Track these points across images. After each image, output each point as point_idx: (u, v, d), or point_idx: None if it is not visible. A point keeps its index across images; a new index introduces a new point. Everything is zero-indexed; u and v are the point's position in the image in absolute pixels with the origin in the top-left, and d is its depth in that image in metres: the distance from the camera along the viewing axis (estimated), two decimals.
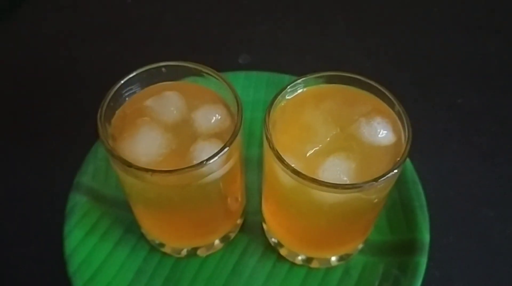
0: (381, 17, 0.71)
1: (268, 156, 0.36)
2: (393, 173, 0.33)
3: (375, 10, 0.73)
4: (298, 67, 0.60)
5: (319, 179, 0.32)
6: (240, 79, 0.57)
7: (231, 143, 0.35)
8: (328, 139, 0.36)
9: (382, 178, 0.33)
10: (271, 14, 0.71)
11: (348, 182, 0.34)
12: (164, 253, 0.46)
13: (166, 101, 0.39)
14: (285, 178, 0.34)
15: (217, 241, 0.46)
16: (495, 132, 0.57)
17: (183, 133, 0.38)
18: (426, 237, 0.44)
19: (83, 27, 0.71)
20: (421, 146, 0.55)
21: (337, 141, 0.36)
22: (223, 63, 0.60)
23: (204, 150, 0.36)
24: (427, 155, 0.54)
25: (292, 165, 0.33)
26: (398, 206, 0.47)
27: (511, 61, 0.65)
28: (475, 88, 0.61)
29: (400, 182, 0.48)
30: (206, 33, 0.68)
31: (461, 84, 0.62)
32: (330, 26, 0.70)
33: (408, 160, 0.49)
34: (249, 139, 0.53)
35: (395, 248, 0.45)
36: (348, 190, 0.33)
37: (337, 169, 0.34)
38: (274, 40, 0.67)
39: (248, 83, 0.57)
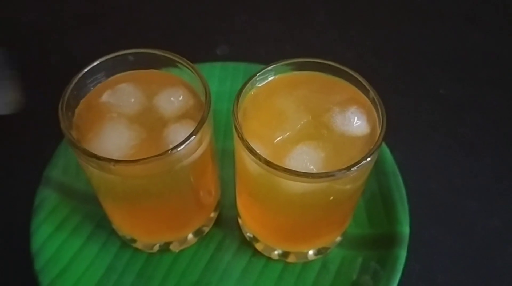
0: (363, 8, 0.70)
1: (237, 144, 0.35)
2: (366, 161, 0.32)
3: (357, 0, 0.71)
4: (278, 58, 0.58)
5: (285, 167, 0.31)
6: (216, 70, 0.55)
7: (197, 131, 0.33)
8: (299, 126, 0.35)
9: (355, 167, 0.32)
10: (251, 4, 0.70)
11: (315, 171, 0.32)
12: (136, 249, 0.44)
13: (122, 93, 0.37)
14: (252, 166, 0.33)
15: (190, 236, 0.44)
16: (479, 123, 0.56)
17: (150, 120, 0.36)
18: (405, 229, 0.43)
19: (58, 16, 0.69)
20: (403, 138, 0.54)
21: (307, 129, 0.35)
22: (200, 54, 0.59)
23: (178, 132, 0.35)
24: (410, 146, 0.53)
25: (258, 152, 0.32)
26: (377, 199, 0.46)
27: (494, 51, 0.64)
28: (459, 79, 0.60)
29: (380, 174, 0.47)
30: (184, 24, 0.67)
31: (444, 75, 0.61)
32: (311, 16, 0.68)
33: (388, 151, 0.48)
34: (226, 130, 0.52)
35: (374, 241, 0.44)
36: (319, 179, 0.32)
37: (305, 158, 0.32)
38: (254, 31, 0.66)
39: (225, 74, 0.55)
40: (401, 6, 0.70)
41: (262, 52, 0.62)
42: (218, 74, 0.55)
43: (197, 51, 0.60)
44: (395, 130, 0.53)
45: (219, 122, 0.52)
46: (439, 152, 0.53)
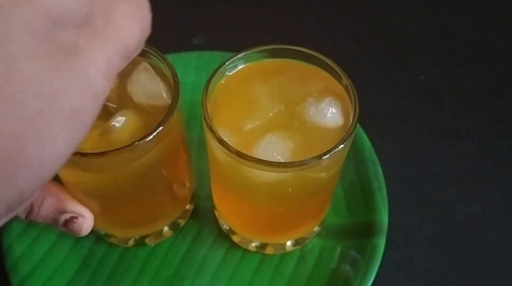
0: None
1: (207, 135, 0.34)
2: (338, 149, 0.31)
3: None
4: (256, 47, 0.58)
5: (252, 156, 0.30)
6: (192, 59, 0.54)
7: (165, 122, 0.32)
8: (270, 115, 0.34)
9: (327, 155, 0.31)
10: None
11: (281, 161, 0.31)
12: (111, 243, 0.44)
13: None
14: (223, 157, 0.32)
15: (166, 229, 0.43)
16: (458, 108, 0.55)
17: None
18: (384, 218, 0.43)
19: None
20: (382, 125, 0.53)
21: (278, 119, 0.34)
22: (177, 44, 0.58)
23: None
24: (388, 133, 0.52)
25: (227, 140, 0.31)
26: (356, 187, 0.46)
27: (474, 35, 0.63)
28: (438, 64, 0.60)
29: (359, 162, 0.46)
30: (159, 13, 0.65)
31: (423, 60, 0.60)
32: (289, 4, 0.67)
33: (367, 139, 0.48)
34: (202, 122, 0.51)
35: (353, 230, 0.43)
36: (291, 169, 0.31)
37: (272, 148, 0.32)
38: (231, 19, 0.65)
39: (201, 63, 0.54)
40: None
41: (240, 40, 0.61)
42: (195, 64, 0.54)
43: (174, 40, 0.59)
44: (374, 117, 0.53)
45: (196, 112, 0.51)
46: (418, 138, 0.53)
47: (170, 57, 0.36)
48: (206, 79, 0.52)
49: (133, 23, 0.21)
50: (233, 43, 0.60)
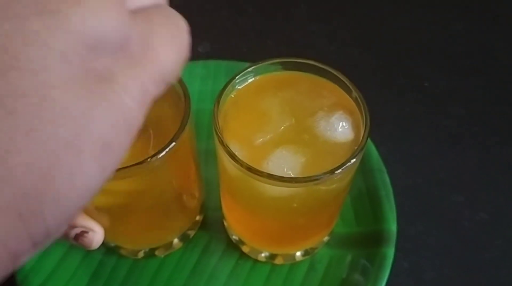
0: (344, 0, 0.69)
1: (218, 149, 0.34)
2: (350, 163, 0.31)
3: None
4: (260, 53, 0.58)
5: (264, 171, 0.30)
6: (198, 69, 0.54)
7: (177, 138, 0.32)
8: (281, 129, 0.34)
9: (339, 170, 0.31)
10: None
11: (292, 176, 0.32)
12: (121, 255, 0.44)
13: None
14: (234, 171, 0.32)
15: (176, 240, 0.44)
16: (463, 115, 0.55)
17: None
18: (392, 227, 0.43)
19: None
20: (388, 132, 0.53)
21: (289, 133, 0.34)
22: None
23: None
24: (394, 141, 0.53)
25: (237, 153, 0.31)
26: (364, 197, 0.46)
27: (478, 41, 0.63)
28: (442, 70, 0.60)
29: (366, 171, 0.46)
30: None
31: (428, 66, 0.60)
32: (291, 10, 0.67)
33: (374, 148, 0.48)
34: (209, 131, 0.51)
35: (361, 240, 0.44)
36: (303, 184, 0.31)
37: (282, 162, 0.32)
38: (235, 26, 0.65)
39: (206, 73, 0.54)
40: None
41: (244, 48, 0.61)
42: (200, 73, 0.54)
43: None
44: (379, 125, 0.53)
45: (202, 122, 0.51)
46: (424, 145, 0.53)
47: None
48: (211, 89, 0.53)
49: (171, 47, 0.20)
50: (238, 50, 0.61)
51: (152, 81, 0.19)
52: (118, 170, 0.31)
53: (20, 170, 0.15)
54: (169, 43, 0.20)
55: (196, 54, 0.60)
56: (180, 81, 0.35)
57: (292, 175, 0.32)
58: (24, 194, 0.15)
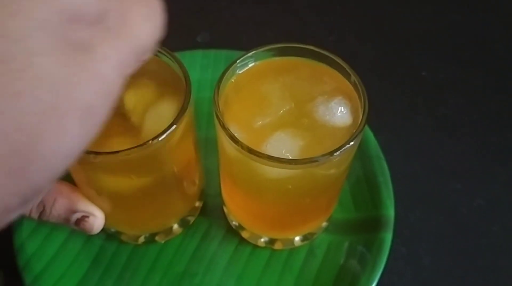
0: None
1: (219, 132, 0.34)
2: (349, 145, 0.32)
3: None
4: (259, 44, 0.58)
5: (261, 152, 0.31)
6: (198, 58, 0.55)
7: (178, 121, 0.33)
8: (280, 112, 0.34)
9: (338, 151, 0.31)
10: None
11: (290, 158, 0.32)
12: (121, 241, 0.44)
13: None
14: (234, 153, 0.33)
15: (176, 226, 0.44)
16: (462, 104, 0.56)
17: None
18: (390, 212, 0.43)
19: None
20: (386, 121, 0.54)
21: (288, 116, 0.34)
22: (181, 42, 0.58)
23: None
24: (393, 129, 0.53)
25: (237, 135, 0.32)
26: (362, 183, 0.46)
27: (476, 31, 0.64)
28: (441, 60, 0.60)
29: (365, 158, 0.47)
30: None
31: (426, 56, 0.61)
32: (291, 1, 0.67)
33: (372, 135, 0.48)
34: (209, 119, 0.51)
35: (360, 225, 0.44)
36: (302, 165, 0.32)
37: (281, 144, 0.32)
38: (234, 17, 0.65)
39: (206, 62, 0.55)
40: None
41: (243, 37, 0.62)
42: (200, 62, 0.54)
43: (178, 38, 0.59)
44: (378, 113, 0.53)
45: (202, 110, 0.51)
46: (422, 134, 0.53)
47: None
48: (211, 77, 0.53)
49: (146, 23, 0.22)
50: (237, 40, 0.61)
51: (129, 53, 0.21)
52: (120, 151, 0.31)
53: (8, 129, 0.16)
54: (145, 19, 0.22)
55: (195, 44, 0.60)
56: (181, 65, 0.36)
57: (290, 157, 0.32)
58: (12, 151, 0.17)
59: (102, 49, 0.19)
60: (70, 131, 0.18)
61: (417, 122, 0.54)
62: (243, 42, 0.61)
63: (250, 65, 0.37)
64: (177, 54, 0.37)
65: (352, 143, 0.32)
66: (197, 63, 0.54)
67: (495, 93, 0.57)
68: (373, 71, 0.58)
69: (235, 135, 0.32)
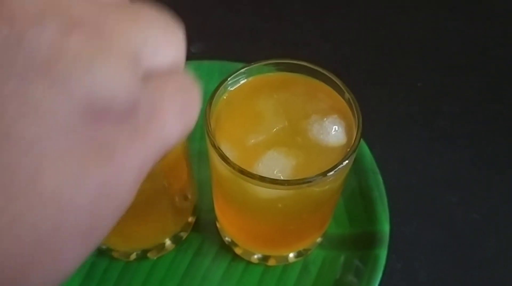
0: None
1: (210, 151, 0.34)
2: (342, 165, 0.31)
3: None
4: (255, 53, 0.57)
5: (254, 172, 0.30)
6: (191, 70, 0.54)
7: None
8: (274, 130, 0.34)
9: (331, 172, 0.31)
10: None
11: (282, 178, 0.31)
12: (113, 257, 0.43)
13: None
14: (226, 173, 0.32)
15: (168, 242, 0.43)
16: (457, 114, 0.55)
17: None
18: (386, 228, 0.43)
19: None
20: (381, 132, 0.53)
21: (281, 135, 0.34)
22: None
23: None
24: (388, 141, 0.53)
25: (228, 154, 0.31)
26: (357, 197, 0.46)
27: (471, 40, 0.63)
28: (435, 69, 0.60)
29: (359, 172, 0.46)
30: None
31: (421, 65, 0.60)
32: (286, 9, 0.67)
33: (367, 148, 0.48)
34: (202, 131, 0.50)
35: (354, 240, 0.44)
36: (295, 186, 0.31)
37: (273, 164, 0.32)
38: (228, 26, 0.64)
39: (199, 73, 0.53)
40: None
41: (238, 47, 0.61)
42: (193, 74, 0.54)
43: None
44: (373, 125, 0.53)
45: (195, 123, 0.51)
46: (418, 145, 0.53)
47: None
48: (205, 89, 0.52)
49: (178, 120, 0.18)
50: (231, 50, 0.60)
51: (152, 155, 0.17)
52: None
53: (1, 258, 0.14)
54: (178, 113, 0.18)
55: (189, 54, 0.60)
56: None
57: (282, 178, 0.32)
58: (4, 280, 0.14)
59: (124, 155, 0.16)
60: (68, 253, 0.15)
61: (413, 133, 0.54)
62: (238, 52, 0.60)
63: (242, 82, 0.36)
64: None
65: (346, 162, 0.31)
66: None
67: (492, 103, 0.56)
68: (368, 81, 0.58)
69: (227, 153, 0.32)
